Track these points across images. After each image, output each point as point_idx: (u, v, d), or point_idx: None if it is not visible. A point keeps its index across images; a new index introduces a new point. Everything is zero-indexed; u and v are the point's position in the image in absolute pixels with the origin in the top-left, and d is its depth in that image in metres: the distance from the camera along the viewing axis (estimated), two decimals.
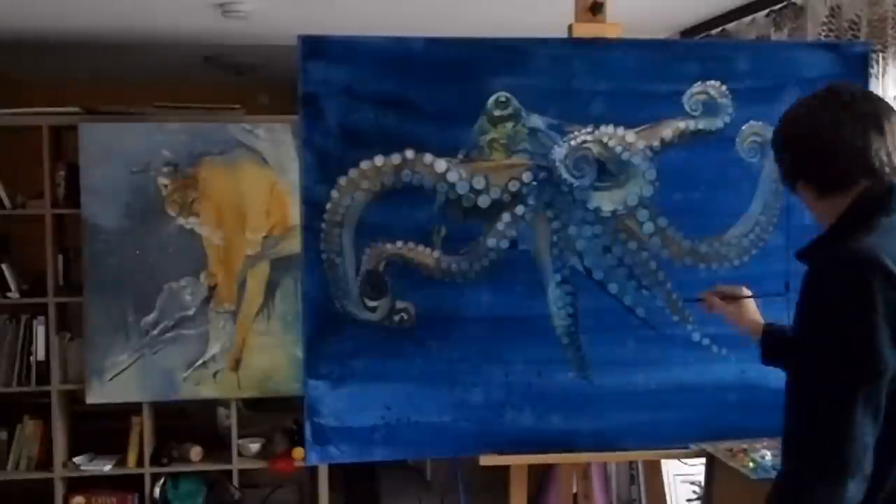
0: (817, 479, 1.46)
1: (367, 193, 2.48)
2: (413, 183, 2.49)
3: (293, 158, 3.73)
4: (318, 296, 2.49)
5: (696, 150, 2.57)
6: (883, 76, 2.99)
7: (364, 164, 2.48)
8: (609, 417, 2.58)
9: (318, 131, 2.47)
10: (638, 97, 2.55)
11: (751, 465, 2.39)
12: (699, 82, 2.58)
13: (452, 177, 2.50)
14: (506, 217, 2.53)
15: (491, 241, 2.53)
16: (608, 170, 2.56)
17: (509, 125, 2.52)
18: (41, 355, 3.88)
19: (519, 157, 2.53)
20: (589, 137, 2.54)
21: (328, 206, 2.47)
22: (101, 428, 4.07)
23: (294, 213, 3.73)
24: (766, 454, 2.42)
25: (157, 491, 3.92)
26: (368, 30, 2.64)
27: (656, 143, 2.57)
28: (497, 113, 2.51)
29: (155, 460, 3.94)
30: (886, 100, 2.98)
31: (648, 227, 2.57)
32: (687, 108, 2.57)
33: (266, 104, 5.72)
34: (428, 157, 2.49)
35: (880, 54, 2.99)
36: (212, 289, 3.85)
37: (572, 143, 2.54)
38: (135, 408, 3.92)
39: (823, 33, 3.29)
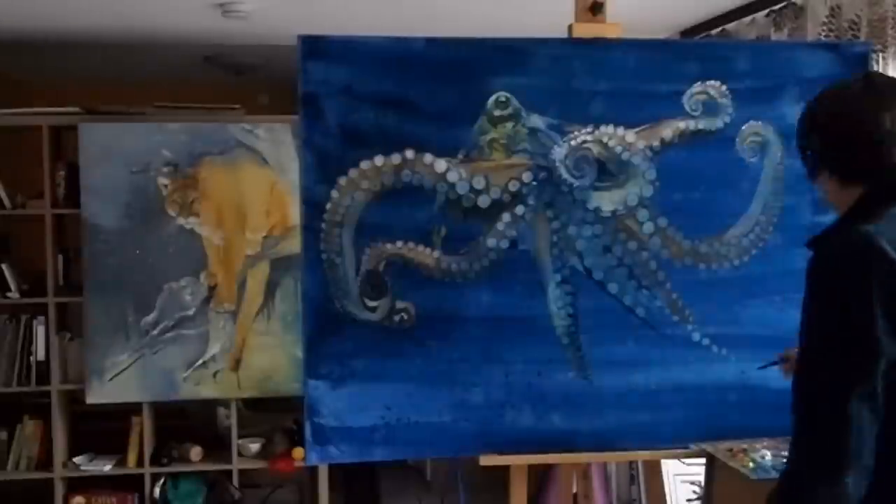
0: (816, 476, 1.46)
1: (367, 193, 2.48)
2: (413, 183, 2.49)
3: (293, 158, 3.74)
4: (318, 296, 2.49)
5: (696, 150, 2.57)
6: None
7: (364, 164, 2.48)
8: (609, 417, 2.58)
9: (318, 131, 2.47)
10: (638, 97, 2.55)
11: (751, 465, 2.39)
12: (699, 82, 2.58)
13: (452, 177, 2.50)
14: (506, 217, 2.53)
15: (491, 241, 2.53)
16: (608, 170, 2.56)
17: (509, 125, 2.52)
18: (41, 355, 3.88)
19: (519, 157, 2.53)
20: (589, 137, 2.54)
21: (328, 206, 2.47)
22: (101, 428, 4.07)
23: (294, 213, 3.73)
24: (766, 454, 2.42)
25: (157, 491, 3.92)
26: (368, 30, 2.64)
27: (656, 143, 2.57)
28: (497, 113, 2.51)
29: (155, 460, 3.94)
30: None
31: (648, 227, 2.57)
32: (687, 108, 2.57)
33: (266, 104, 5.72)
34: (428, 157, 2.49)
35: (880, 54, 2.99)
36: (212, 289, 3.85)
37: (572, 143, 2.54)
38: (135, 408, 3.92)
39: (823, 33, 3.29)
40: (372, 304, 2.51)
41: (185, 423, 4.30)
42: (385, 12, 3.90)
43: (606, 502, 4.09)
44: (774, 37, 3.61)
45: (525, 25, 3.46)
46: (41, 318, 3.88)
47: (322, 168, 2.47)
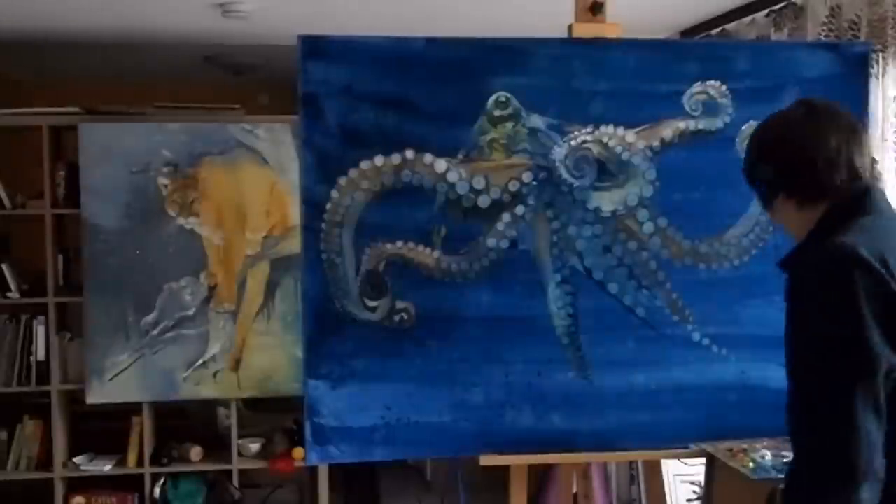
0: (829, 489, 1.45)
1: (367, 193, 2.48)
2: (413, 183, 2.49)
3: (293, 158, 3.74)
4: (318, 296, 2.49)
5: (696, 150, 2.57)
6: (883, 76, 2.99)
7: (364, 164, 2.47)
8: (609, 417, 2.58)
9: (318, 131, 2.47)
10: (638, 97, 2.55)
11: (751, 465, 2.39)
12: (699, 82, 2.57)
13: (452, 177, 2.50)
14: (506, 217, 2.53)
15: (491, 241, 2.53)
16: (608, 170, 2.56)
17: (509, 125, 2.52)
18: (41, 355, 3.88)
19: (519, 157, 2.53)
20: (589, 137, 2.54)
21: (328, 206, 2.47)
22: (101, 428, 4.08)
23: (294, 213, 3.73)
24: (766, 454, 2.42)
25: (157, 491, 3.92)
26: (368, 30, 2.64)
27: (656, 143, 2.57)
28: (497, 113, 2.51)
29: (155, 460, 3.95)
30: (886, 100, 2.99)
31: (648, 227, 2.57)
32: (687, 108, 2.57)
33: (266, 104, 5.72)
34: (428, 157, 2.49)
35: (880, 54, 2.99)
36: (212, 289, 3.85)
37: (572, 143, 2.54)
38: (135, 408, 3.92)
39: (823, 33, 3.29)
40: (372, 304, 2.51)
41: (185, 423, 4.30)
42: (385, 12, 3.90)
43: (606, 502, 4.09)
44: (774, 37, 3.61)
45: (525, 25, 3.46)
46: (41, 318, 3.88)
47: (322, 168, 2.47)
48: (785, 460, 2.34)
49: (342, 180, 2.47)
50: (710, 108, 2.58)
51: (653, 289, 2.58)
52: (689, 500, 3.59)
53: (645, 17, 3.87)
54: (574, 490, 3.06)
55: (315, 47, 2.46)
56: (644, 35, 2.91)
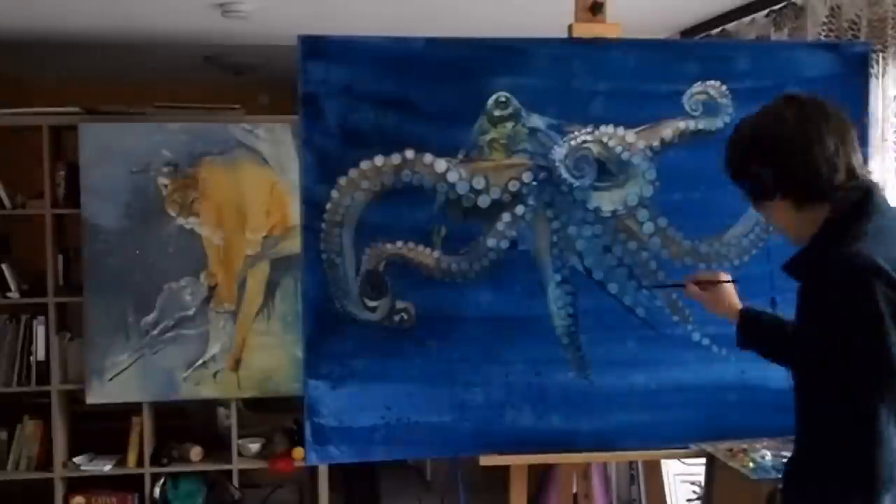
0: (851, 497, 1.45)
1: (367, 193, 2.48)
2: (413, 183, 2.49)
3: (293, 158, 3.74)
4: (318, 296, 2.49)
5: (696, 150, 2.57)
6: (883, 76, 2.99)
7: (364, 164, 2.47)
8: (609, 417, 2.58)
9: (318, 131, 2.47)
10: (638, 97, 2.55)
11: (751, 465, 2.39)
12: (699, 82, 2.57)
13: (452, 177, 2.50)
14: (506, 217, 2.53)
15: (491, 241, 2.53)
16: (608, 170, 2.56)
17: (509, 125, 2.51)
18: (41, 355, 3.88)
19: (519, 157, 2.53)
20: (589, 137, 2.54)
21: (328, 206, 2.47)
22: (101, 428, 4.08)
23: (294, 213, 3.73)
24: (766, 454, 2.42)
25: (157, 491, 3.92)
26: (368, 30, 2.64)
27: (656, 143, 2.57)
28: (497, 113, 2.51)
29: (155, 460, 3.95)
30: (886, 100, 3.00)
31: (648, 227, 2.57)
32: (687, 108, 2.57)
33: (266, 104, 5.72)
34: (428, 157, 2.49)
35: (880, 54, 2.99)
36: (212, 289, 3.85)
37: (572, 143, 2.54)
38: (135, 408, 3.92)
39: (823, 33, 3.29)
40: (372, 304, 2.51)
41: (185, 423, 4.30)
42: (385, 12, 3.90)
43: (606, 502, 4.09)
44: (774, 37, 3.61)
45: (525, 25, 3.46)
46: (41, 318, 3.88)
47: (322, 168, 2.47)
48: (785, 461, 2.34)
49: (342, 180, 2.47)
50: (710, 108, 2.58)
51: (653, 289, 2.58)
52: (689, 500, 3.59)
53: (645, 17, 3.87)
54: (574, 490, 3.06)
55: (315, 47, 2.46)
56: (644, 35, 2.92)
